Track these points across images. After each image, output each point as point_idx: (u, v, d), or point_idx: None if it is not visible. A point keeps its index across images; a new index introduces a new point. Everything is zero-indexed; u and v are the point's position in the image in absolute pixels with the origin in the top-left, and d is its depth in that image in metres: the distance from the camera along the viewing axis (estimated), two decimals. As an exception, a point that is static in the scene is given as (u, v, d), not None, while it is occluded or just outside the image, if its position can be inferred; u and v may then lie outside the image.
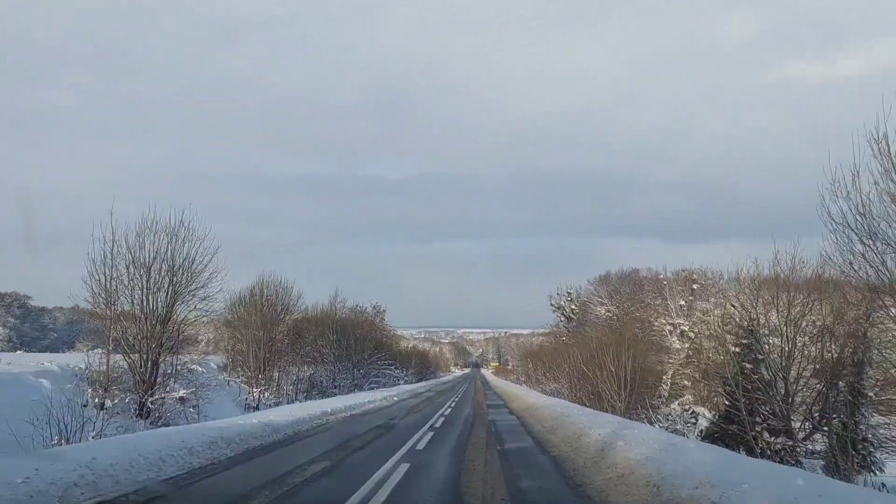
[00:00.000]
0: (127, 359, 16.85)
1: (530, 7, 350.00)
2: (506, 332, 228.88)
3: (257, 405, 24.04)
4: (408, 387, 39.66)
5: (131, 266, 17.09)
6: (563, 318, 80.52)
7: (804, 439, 16.79)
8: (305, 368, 33.74)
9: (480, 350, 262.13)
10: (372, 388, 36.91)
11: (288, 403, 25.18)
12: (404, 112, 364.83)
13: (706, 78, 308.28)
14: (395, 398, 28.44)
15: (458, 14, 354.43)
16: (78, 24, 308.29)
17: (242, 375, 26.17)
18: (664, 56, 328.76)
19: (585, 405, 27.79)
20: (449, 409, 23.53)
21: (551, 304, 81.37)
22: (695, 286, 66.23)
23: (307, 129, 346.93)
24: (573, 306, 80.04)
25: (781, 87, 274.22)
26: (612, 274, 79.62)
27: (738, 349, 18.23)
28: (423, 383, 52.33)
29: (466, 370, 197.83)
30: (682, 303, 61.91)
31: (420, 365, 70.73)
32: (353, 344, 37.21)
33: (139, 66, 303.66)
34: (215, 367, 26.53)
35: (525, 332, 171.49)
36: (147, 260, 17.48)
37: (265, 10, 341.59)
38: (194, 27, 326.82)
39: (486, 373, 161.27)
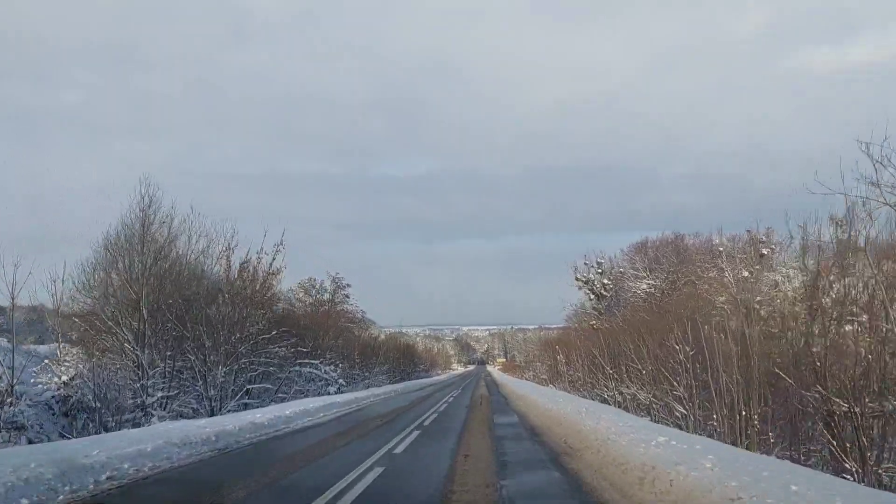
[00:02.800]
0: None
1: (542, 3, 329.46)
2: (512, 328, 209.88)
3: None
4: (307, 405, 16.68)
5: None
6: (591, 296, 59.68)
7: None
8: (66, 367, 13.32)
9: (486, 346, 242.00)
10: (260, 405, 16.22)
11: None
12: (415, 110, 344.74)
13: (718, 70, 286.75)
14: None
15: (469, 10, 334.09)
16: (79, 21, 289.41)
17: None
18: (676, 48, 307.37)
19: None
20: None
21: (576, 279, 60.53)
22: (764, 251, 45.09)
23: (315, 128, 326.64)
24: (605, 280, 59.30)
25: (794, 76, 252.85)
26: (650, 241, 59.29)
27: None
28: (384, 389, 30.96)
29: (470, 367, 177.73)
30: (746, 274, 41.19)
31: (402, 361, 50.13)
32: (219, 318, 16.39)
33: (145, 63, 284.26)
34: None
35: (531, 328, 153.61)
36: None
37: (272, 9, 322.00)
38: (203, 23, 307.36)
39: (494, 370, 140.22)
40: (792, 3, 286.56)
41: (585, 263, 59.03)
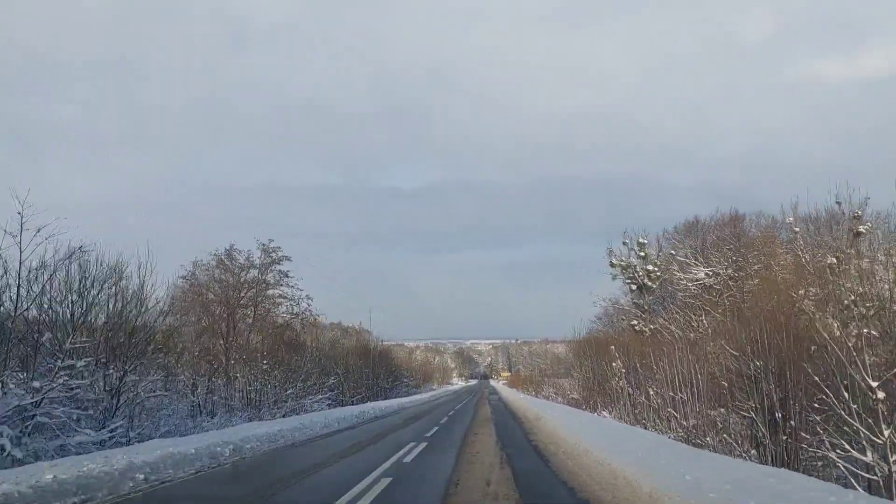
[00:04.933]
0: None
1: (546, 9, 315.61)
2: (517, 341, 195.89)
3: None
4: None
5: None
6: (632, 287, 44.21)
7: None
8: None
9: (489, 359, 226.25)
10: None
11: None
12: (418, 119, 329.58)
13: (724, 77, 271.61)
14: None
15: (473, 19, 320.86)
16: (81, 36, 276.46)
17: None
18: (681, 56, 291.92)
19: None
20: None
21: (612, 265, 45.00)
22: (861, 229, 29.88)
23: (318, 138, 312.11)
24: (650, 267, 43.94)
25: (803, 85, 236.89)
26: (701, 221, 44.35)
27: None
28: (220, 438, 14.36)
29: (472, 382, 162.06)
30: (833, 260, 28.26)
31: (372, 372, 34.22)
32: None
33: (145, 74, 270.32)
34: None
35: (536, 341, 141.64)
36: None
37: (271, 17, 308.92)
38: (201, 35, 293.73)
39: (499, 385, 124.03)
40: (801, 13, 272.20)
41: (625, 243, 43.48)
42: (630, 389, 21.69)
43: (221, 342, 27.15)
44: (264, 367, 19.31)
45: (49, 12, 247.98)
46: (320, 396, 23.43)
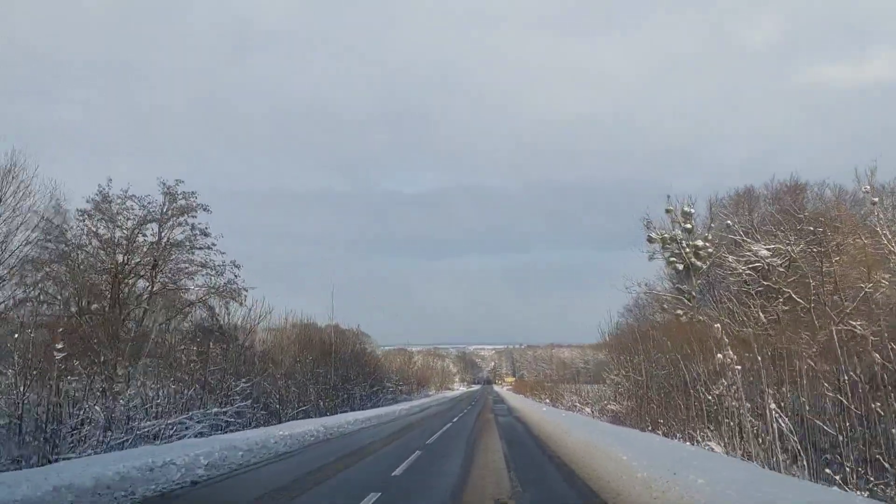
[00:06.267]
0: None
1: (549, 12, 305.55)
2: (522, 345, 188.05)
3: None
4: None
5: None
6: (677, 266, 34.81)
7: None
8: None
9: (492, 364, 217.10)
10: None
11: None
12: (418, 122, 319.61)
13: (728, 82, 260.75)
14: None
15: (477, 23, 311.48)
16: (81, 36, 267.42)
17: None
18: (685, 60, 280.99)
19: None
20: None
21: (650, 239, 35.59)
22: None
23: (320, 142, 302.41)
24: (700, 242, 34.61)
25: (806, 90, 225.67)
26: (755, 192, 35.49)
27: None
28: None
29: (475, 387, 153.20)
30: None
31: (337, 374, 23.82)
32: None
33: (145, 76, 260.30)
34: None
35: (542, 346, 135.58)
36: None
37: (272, 18, 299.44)
38: (202, 35, 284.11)
39: (503, 390, 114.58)
40: (806, 19, 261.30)
41: (668, 211, 33.91)
42: (736, 403, 12.24)
43: (102, 329, 17.78)
44: (58, 358, 9.99)
45: (49, 12, 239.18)
46: (214, 411, 13.99)
